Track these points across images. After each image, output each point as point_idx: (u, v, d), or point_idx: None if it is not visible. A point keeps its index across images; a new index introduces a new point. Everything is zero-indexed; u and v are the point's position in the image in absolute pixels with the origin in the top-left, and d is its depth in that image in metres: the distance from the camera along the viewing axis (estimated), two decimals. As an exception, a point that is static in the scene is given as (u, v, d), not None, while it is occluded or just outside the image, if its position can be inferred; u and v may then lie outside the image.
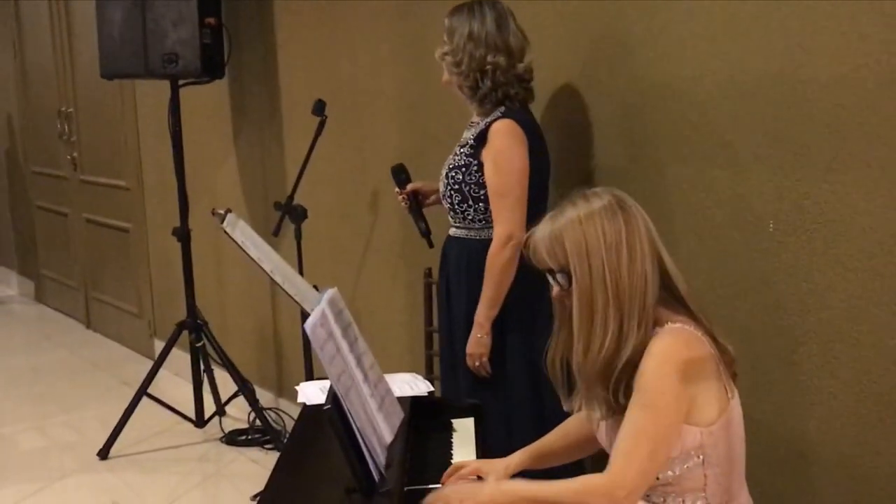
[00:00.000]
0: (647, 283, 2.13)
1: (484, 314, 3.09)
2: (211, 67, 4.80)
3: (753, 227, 2.77)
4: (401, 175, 3.52)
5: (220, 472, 4.70)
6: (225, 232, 3.35)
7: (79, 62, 6.96)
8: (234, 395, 5.07)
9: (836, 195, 2.55)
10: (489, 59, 3.07)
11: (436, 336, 3.79)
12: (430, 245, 3.47)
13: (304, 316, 3.74)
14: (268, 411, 5.03)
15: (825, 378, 2.64)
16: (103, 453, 4.89)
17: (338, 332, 2.25)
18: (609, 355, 2.11)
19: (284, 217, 4.19)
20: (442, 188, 3.23)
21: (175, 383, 5.66)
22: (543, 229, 2.20)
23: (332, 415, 1.99)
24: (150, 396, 5.01)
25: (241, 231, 3.44)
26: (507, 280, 3.06)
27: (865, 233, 2.50)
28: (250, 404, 4.98)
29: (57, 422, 5.47)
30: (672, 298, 2.19)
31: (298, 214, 4.17)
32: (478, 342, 3.11)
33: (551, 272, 2.21)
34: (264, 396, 5.20)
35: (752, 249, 2.77)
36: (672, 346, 2.08)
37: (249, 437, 5.02)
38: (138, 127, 6.29)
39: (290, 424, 4.97)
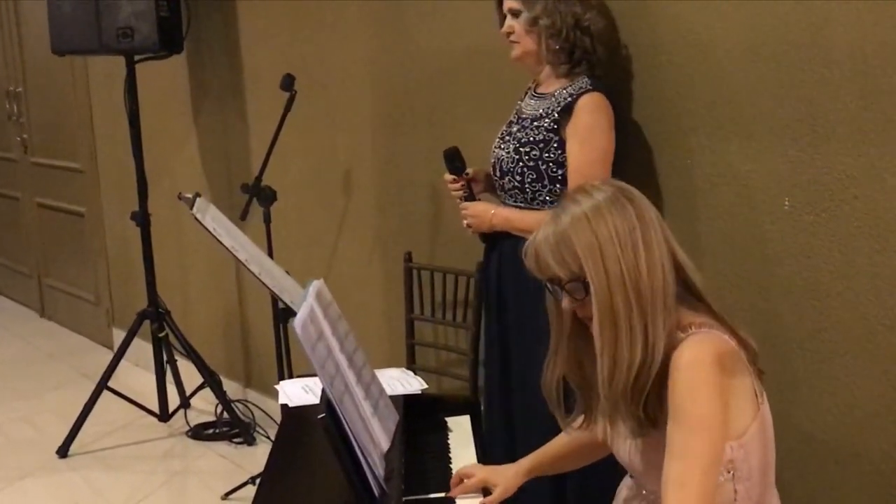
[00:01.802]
0: (665, 278, 1.92)
1: (509, 223, 2.90)
2: (169, 41, 4.57)
3: (766, 206, 2.58)
4: (455, 161, 3.07)
5: (188, 469, 4.48)
6: (195, 218, 3.09)
7: (27, 38, 6.71)
8: (200, 387, 4.88)
9: (861, 169, 2.37)
10: (586, 14, 2.83)
11: (417, 324, 3.60)
12: (486, 241, 3.09)
13: (277, 305, 3.52)
14: (235, 403, 4.83)
15: (847, 366, 2.47)
16: (63, 451, 4.67)
17: (328, 330, 2.03)
18: (638, 368, 1.90)
19: (252, 200, 3.96)
20: (507, 164, 2.92)
21: (136, 374, 5.44)
22: (545, 232, 1.96)
23: (328, 426, 1.78)
24: (111, 390, 4.78)
25: (213, 217, 3.18)
26: None
27: (894, 209, 2.32)
28: (217, 396, 4.79)
29: (13, 418, 5.23)
30: (688, 294, 1.99)
31: (267, 196, 3.95)
32: (487, 217, 2.94)
33: (557, 282, 1.97)
34: (231, 387, 5.00)
35: (765, 229, 2.58)
36: (703, 357, 1.88)
37: (217, 430, 4.81)
38: (91, 106, 6.06)
39: (259, 417, 4.81)
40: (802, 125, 2.47)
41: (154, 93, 5.16)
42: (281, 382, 2.59)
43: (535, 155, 2.86)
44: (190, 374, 4.91)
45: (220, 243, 3.17)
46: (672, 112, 2.79)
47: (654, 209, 1.97)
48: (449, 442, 2.47)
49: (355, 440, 1.87)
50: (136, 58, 4.68)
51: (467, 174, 3.08)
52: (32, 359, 6.31)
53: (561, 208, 1.96)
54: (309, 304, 1.98)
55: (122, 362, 4.86)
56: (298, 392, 2.50)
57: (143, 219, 4.79)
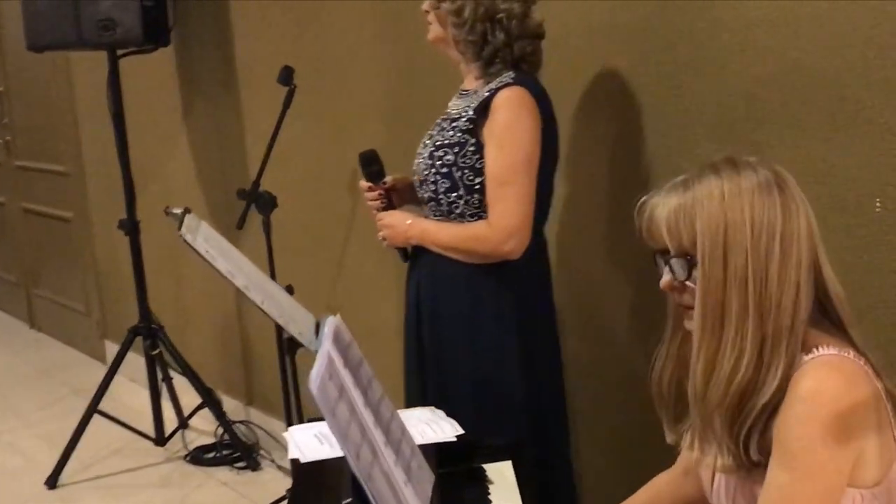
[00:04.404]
0: (799, 295, 1.57)
1: (426, 236, 2.57)
2: (154, 34, 4.25)
3: (856, 208, 2.20)
4: (372, 165, 2.75)
5: (187, 499, 4.12)
6: (185, 241, 2.70)
7: (7, 35, 6.41)
8: (199, 408, 4.54)
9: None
10: (501, 4, 2.46)
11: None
12: (406, 259, 2.73)
13: (282, 334, 3.13)
14: (237, 424, 4.48)
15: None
16: (51, 481, 4.31)
17: (349, 382, 1.66)
18: (742, 387, 1.55)
19: (250, 207, 3.58)
20: (422, 171, 2.58)
21: (130, 391, 5.11)
22: (669, 198, 1.63)
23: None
24: (103, 414, 4.41)
25: (205, 237, 2.78)
26: (468, 262, 2.51)
27: None
28: (217, 417, 4.46)
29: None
30: (824, 317, 1.63)
31: (266, 203, 3.56)
32: (403, 229, 2.62)
33: (664, 254, 1.65)
34: (232, 406, 4.66)
35: (854, 235, 2.20)
36: (830, 386, 1.52)
37: (217, 454, 4.47)
38: (75, 105, 5.74)
39: (263, 438, 4.45)
40: (898, 113, 2.10)
41: (140, 90, 4.81)
42: (290, 429, 2.21)
43: (448, 160, 2.49)
44: (187, 392, 4.57)
45: (214, 268, 2.77)
46: (736, 101, 2.41)
47: (807, 207, 1.62)
48: (490, 496, 2.09)
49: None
50: (119, 52, 4.36)
51: (384, 183, 2.73)
52: (22, 374, 5.97)
53: (697, 174, 1.63)
54: (325, 353, 1.60)
55: (116, 377, 4.49)
56: (311, 442, 2.12)
57: (131, 227, 4.45)
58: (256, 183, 3.58)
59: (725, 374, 1.56)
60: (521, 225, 2.44)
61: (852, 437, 1.51)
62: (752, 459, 1.58)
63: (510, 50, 2.48)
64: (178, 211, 2.80)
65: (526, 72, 2.50)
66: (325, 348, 1.64)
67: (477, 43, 2.48)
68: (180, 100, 4.75)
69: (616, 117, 2.74)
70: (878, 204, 2.17)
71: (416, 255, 2.67)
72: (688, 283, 1.62)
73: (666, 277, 1.66)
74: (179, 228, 2.72)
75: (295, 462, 2.07)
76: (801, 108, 2.29)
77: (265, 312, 2.82)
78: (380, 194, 2.72)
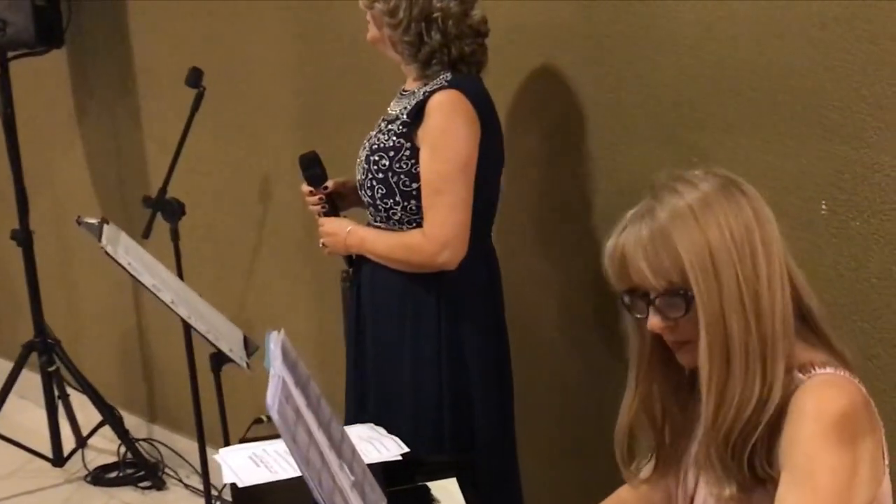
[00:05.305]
0: (785, 297, 1.51)
1: (364, 245, 2.51)
2: (47, 35, 4.05)
3: (799, 210, 2.17)
4: (314, 168, 2.65)
5: (91, 523, 3.93)
6: (107, 253, 2.53)
7: None
8: (99, 426, 4.32)
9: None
10: (437, 3, 2.38)
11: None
12: (350, 265, 2.64)
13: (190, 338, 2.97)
14: (139, 442, 4.29)
15: (905, 399, 2.09)
16: (-60, 511, 4.07)
17: (302, 403, 1.55)
18: (752, 412, 1.48)
19: (156, 215, 3.43)
20: (360, 176, 2.50)
21: (23, 409, 4.81)
22: (635, 230, 1.53)
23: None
24: (-4, 435, 4.19)
25: (126, 248, 2.63)
26: (403, 271, 2.46)
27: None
28: (119, 435, 4.25)
29: None
30: (802, 324, 1.57)
31: (174, 210, 3.42)
32: (342, 237, 2.55)
33: (643, 295, 1.54)
34: (133, 423, 4.45)
35: (800, 238, 2.17)
36: (836, 405, 1.46)
37: (120, 473, 4.27)
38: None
39: (167, 456, 4.27)
40: (844, 114, 2.08)
41: (31, 94, 4.57)
42: (220, 452, 2.08)
43: (384, 165, 2.42)
44: (85, 410, 4.35)
45: (138, 282, 2.62)
46: (673, 103, 2.37)
47: (769, 209, 1.55)
48: (438, 516, 2.01)
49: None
50: (10, 54, 4.14)
51: (326, 187, 2.64)
52: None
53: (655, 199, 1.53)
54: (278, 375, 1.48)
55: (10, 395, 4.26)
56: (246, 465, 2.00)
57: (24, 238, 4.22)
58: (163, 190, 3.44)
59: (736, 405, 1.49)
60: (455, 235, 2.37)
61: (857, 450, 1.46)
62: (757, 477, 1.52)
63: (447, 50, 2.41)
64: (93, 221, 2.63)
65: (465, 73, 2.43)
66: (277, 369, 1.52)
67: (413, 44, 2.41)
68: (74, 104, 4.54)
69: (553, 119, 2.69)
70: (823, 206, 2.15)
71: (357, 263, 2.59)
72: (683, 318, 1.53)
73: (655, 320, 1.55)
74: (100, 240, 2.55)
75: (234, 487, 1.95)
76: (739, 109, 2.27)
77: (194, 328, 2.68)
78: (320, 199, 2.63)
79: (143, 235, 3.43)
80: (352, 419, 2.60)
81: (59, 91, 4.55)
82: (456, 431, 2.48)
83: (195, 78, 3.35)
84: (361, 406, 2.60)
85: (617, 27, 2.47)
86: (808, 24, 2.11)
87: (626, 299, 1.58)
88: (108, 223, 2.68)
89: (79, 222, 2.72)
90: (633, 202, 1.60)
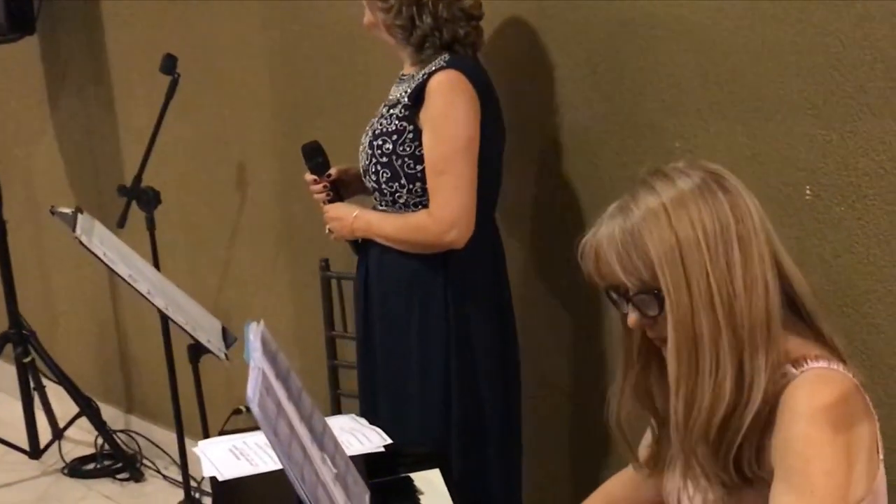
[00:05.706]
0: (769, 297, 1.49)
1: (371, 228, 2.51)
2: (18, 22, 4.02)
3: (783, 195, 2.16)
4: (317, 157, 2.64)
5: (67, 515, 3.89)
6: (81, 243, 2.49)
7: None
8: (76, 417, 4.27)
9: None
10: None
11: (340, 342, 3.09)
12: (357, 251, 2.66)
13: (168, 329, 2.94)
14: (117, 434, 4.24)
15: (890, 385, 2.08)
16: (-86, 505, 4.02)
17: (283, 396, 1.52)
18: (726, 414, 1.46)
19: (131, 203, 3.39)
20: (363, 161, 2.51)
21: (1, 402, 4.78)
22: (609, 228, 1.52)
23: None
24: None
25: (101, 238, 2.59)
26: (413, 252, 2.47)
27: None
28: (96, 427, 4.20)
29: None
30: (794, 315, 1.55)
31: (149, 199, 3.39)
32: (349, 222, 2.55)
33: (622, 292, 1.53)
34: (110, 414, 4.40)
35: (784, 224, 2.15)
36: (828, 404, 1.45)
37: (98, 465, 4.22)
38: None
39: (145, 447, 4.23)
40: (826, 97, 2.06)
41: (3, 81, 4.54)
42: (200, 444, 2.05)
43: (387, 149, 2.44)
44: (61, 402, 4.30)
45: (113, 272, 2.58)
46: (658, 89, 2.35)
47: (753, 200, 1.53)
48: (422, 508, 1.98)
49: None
50: (-20, 42, 4.08)
51: (329, 175, 2.64)
52: None
53: (631, 196, 1.52)
54: (258, 367, 1.45)
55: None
56: (226, 457, 1.97)
57: (-1, 228, 4.18)
58: (138, 178, 3.40)
59: (707, 406, 1.47)
60: (460, 214, 2.38)
61: (851, 446, 1.46)
62: (745, 477, 1.51)
63: (439, 33, 2.42)
64: (67, 211, 2.59)
65: (462, 54, 2.43)
66: (257, 360, 1.50)
67: (405, 27, 2.43)
68: (46, 92, 4.47)
69: (534, 108, 2.66)
70: (808, 191, 2.13)
71: (364, 248, 2.60)
72: (658, 316, 1.52)
73: (633, 317, 1.55)
74: (74, 230, 2.51)
75: (214, 481, 1.92)
76: (722, 93, 2.25)
77: (171, 320, 2.64)
78: (325, 187, 2.63)
79: (119, 225, 3.40)
80: (365, 405, 2.66)
81: (32, 79, 4.49)
82: (464, 412, 2.51)
83: (169, 65, 3.31)
84: (373, 394, 2.64)
85: (592, 12, 2.46)
86: (791, 7, 2.09)
87: (611, 295, 1.58)
88: (82, 212, 2.64)
89: (52, 212, 2.68)
90: (613, 195, 1.59)
